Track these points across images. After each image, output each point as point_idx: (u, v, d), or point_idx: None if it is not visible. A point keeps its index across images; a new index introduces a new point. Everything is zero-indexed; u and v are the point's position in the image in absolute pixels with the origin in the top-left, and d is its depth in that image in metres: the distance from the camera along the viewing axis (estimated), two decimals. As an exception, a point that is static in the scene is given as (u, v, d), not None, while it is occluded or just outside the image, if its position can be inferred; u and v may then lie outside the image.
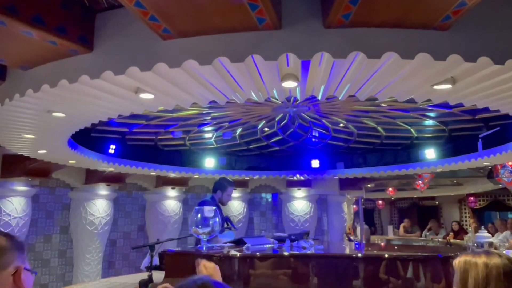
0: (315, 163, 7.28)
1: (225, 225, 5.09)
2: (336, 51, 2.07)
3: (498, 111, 3.58)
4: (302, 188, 8.76)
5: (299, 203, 8.84)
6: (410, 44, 2.09)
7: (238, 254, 3.73)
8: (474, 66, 2.18)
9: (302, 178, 7.92)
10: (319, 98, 2.72)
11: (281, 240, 4.90)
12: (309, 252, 4.23)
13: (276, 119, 5.50)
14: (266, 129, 6.00)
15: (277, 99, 4.47)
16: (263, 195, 9.49)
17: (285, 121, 5.59)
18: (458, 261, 1.44)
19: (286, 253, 4.04)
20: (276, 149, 7.08)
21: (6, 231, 1.30)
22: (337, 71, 2.29)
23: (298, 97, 2.77)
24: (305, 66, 2.25)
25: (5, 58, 2.53)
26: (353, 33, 2.08)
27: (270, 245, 4.85)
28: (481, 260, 1.38)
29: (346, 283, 3.86)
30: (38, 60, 2.49)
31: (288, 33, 2.10)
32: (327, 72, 2.30)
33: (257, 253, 4.05)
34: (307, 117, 5.46)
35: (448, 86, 2.46)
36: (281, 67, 2.23)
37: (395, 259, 3.97)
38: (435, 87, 2.48)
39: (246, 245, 4.53)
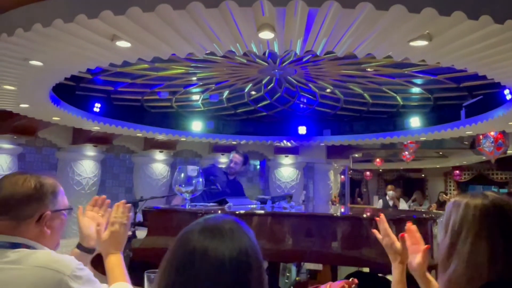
0: (302, 130, 7.33)
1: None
2: (311, -1, 2.06)
3: (482, 78, 3.61)
4: (290, 155, 8.84)
5: (286, 170, 8.95)
6: (385, -6, 2.09)
7: (219, 211, 3.82)
8: (449, 21, 2.18)
9: (289, 144, 7.98)
10: (297, 52, 2.71)
11: (263, 202, 5.00)
12: (288, 211, 4.33)
13: (263, 82, 5.49)
14: (253, 92, 6.00)
15: (262, 59, 4.47)
16: (251, 161, 9.58)
17: (272, 84, 5.59)
18: (448, 204, 1.34)
19: (263, 211, 4.14)
20: (263, 114, 7.10)
21: (36, 174, 1.33)
22: (313, 22, 2.28)
23: (277, 51, 2.76)
24: (281, 16, 2.24)
25: (-22, 0, 2.48)
26: (328, -19, 2.07)
27: (252, 206, 4.95)
28: (464, 200, 1.26)
29: (324, 242, 3.98)
30: (11, 3, 2.45)
31: (263, -21, 2.08)
32: (303, 23, 2.29)
33: (237, 211, 4.14)
34: (294, 81, 5.46)
35: (424, 43, 2.47)
36: (257, 16, 2.22)
37: (371, 219, 4.09)
38: (412, 43, 2.49)
39: (228, 204, 4.62)
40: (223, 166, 8.94)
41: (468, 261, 1.17)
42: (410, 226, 1.64)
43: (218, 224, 0.96)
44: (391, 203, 9.01)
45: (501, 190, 12.15)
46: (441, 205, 10.34)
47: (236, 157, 4.74)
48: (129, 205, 1.61)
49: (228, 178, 4.75)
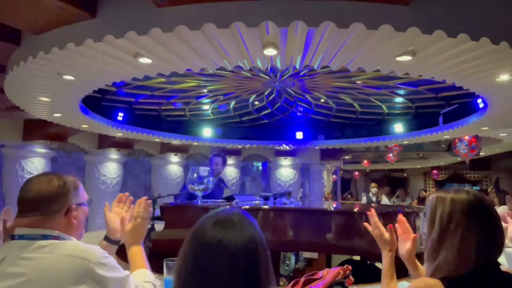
0: (299, 135, 7.31)
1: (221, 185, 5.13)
2: (310, 20, 2.05)
3: (459, 89, 3.60)
4: (288, 157, 8.83)
5: (285, 171, 8.94)
6: (374, 16, 2.07)
7: (228, 206, 3.80)
8: (431, 39, 2.18)
9: (287, 148, 7.97)
10: (297, 67, 2.71)
11: (266, 198, 4.98)
12: (288, 207, 4.31)
13: (265, 93, 5.48)
14: (256, 103, 5.99)
15: (264, 73, 4.47)
16: (254, 163, 9.56)
17: (273, 95, 5.58)
18: (430, 198, 1.32)
19: (266, 207, 4.12)
20: (265, 121, 7.09)
21: (59, 174, 1.34)
22: (311, 40, 2.28)
23: (279, 66, 2.76)
24: (284, 35, 2.23)
25: (19, 23, 2.49)
26: (325, 4, 2.06)
27: (256, 202, 4.93)
28: (449, 196, 1.24)
29: (319, 234, 3.96)
30: (48, 25, 2.45)
31: (268, 2, 2.07)
32: (303, 41, 2.29)
33: (243, 207, 4.13)
34: (292, 92, 5.45)
35: (408, 58, 2.46)
36: (262, 35, 2.21)
37: (361, 213, 4.07)
38: (397, 58, 2.48)
39: (235, 200, 4.60)
40: (229, 167, 8.97)
41: (458, 250, 1.16)
42: (401, 218, 1.64)
43: (228, 216, 0.95)
44: (374, 199, 8.98)
45: (474, 187, 12.10)
46: (421, 201, 10.28)
47: (217, 159, 4.71)
48: (149, 201, 1.61)
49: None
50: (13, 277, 1.12)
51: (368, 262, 4.18)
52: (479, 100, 4.39)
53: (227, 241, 0.91)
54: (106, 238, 1.56)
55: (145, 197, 1.62)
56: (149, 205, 1.60)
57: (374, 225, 1.64)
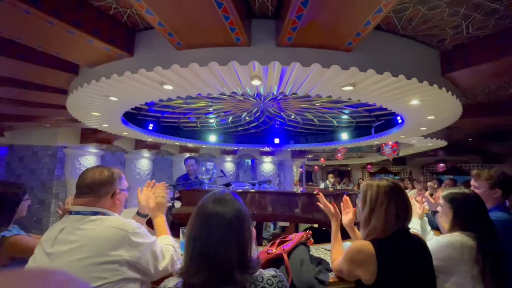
0: (277, 141, 7.32)
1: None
2: (283, 61, 2.06)
3: (384, 110, 3.66)
4: (269, 156, 8.83)
5: (267, 165, 8.93)
6: (327, 58, 2.11)
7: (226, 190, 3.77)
8: (365, 75, 2.22)
9: (269, 149, 7.97)
10: (275, 93, 2.71)
11: (253, 184, 4.93)
12: (268, 190, 4.29)
13: (253, 111, 5.47)
14: (247, 118, 5.97)
15: (252, 97, 4.46)
16: (246, 160, 9.53)
17: (258, 113, 5.57)
18: (362, 184, 1.37)
19: (253, 190, 4.09)
20: (253, 131, 7.07)
21: (108, 167, 1.32)
22: (284, 75, 2.29)
23: (262, 92, 2.76)
24: (265, 71, 2.24)
25: (78, 59, 2.43)
26: (293, 50, 2.08)
27: (246, 187, 4.88)
28: (375, 182, 1.30)
29: (290, 209, 3.96)
30: (98, 61, 2.40)
31: (255, 48, 2.08)
32: (278, 75, 2.30)
33: (237, 190, 4.10)
34: (272, 111, 5.45)
35: (350, 88, 2.50)
36: (250, 71, 2.22)
37: (318, 195, 4.09)
38: (343, 88, 2.51)
39: (231, 186, 4.55)
40: (228, 163, 8.87)
41: (383, 219, 1.19)
42: (346, 198, 1.67)
43: (222, 196, 0.97)
44: (329, 185, 9.07)
45: (395, 177, 12.31)
46: (359, 186, 10.40)
47: (191, 161, 4.64)
48: (166, 184, 1.61)
49: (190, 178, 4.67)
50: (70, 243, 1.09)
51: (324, 229, 4.21)
52: (399, 118, 4.49)
53: (222, 213, 0.91)
54: (138, 213, 1.55)
55: (163, 182, 1.61)
56: (166, 188, 1.60)
57: (324, 204, 1.67)
